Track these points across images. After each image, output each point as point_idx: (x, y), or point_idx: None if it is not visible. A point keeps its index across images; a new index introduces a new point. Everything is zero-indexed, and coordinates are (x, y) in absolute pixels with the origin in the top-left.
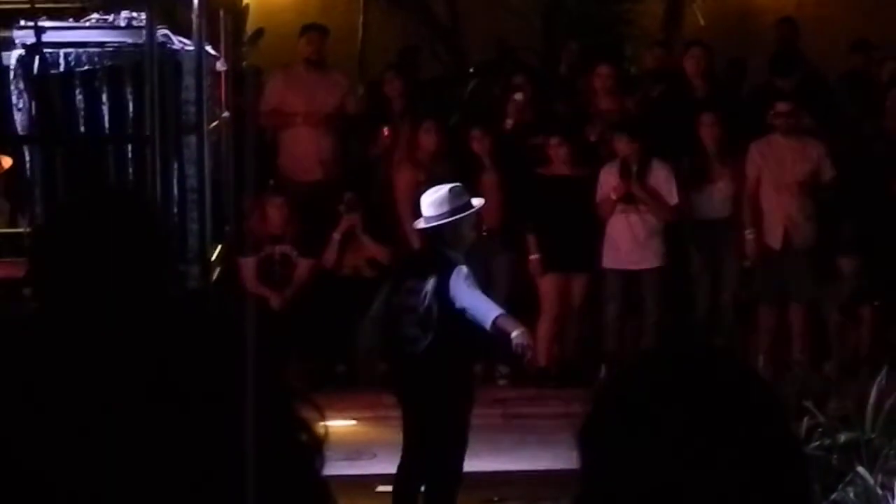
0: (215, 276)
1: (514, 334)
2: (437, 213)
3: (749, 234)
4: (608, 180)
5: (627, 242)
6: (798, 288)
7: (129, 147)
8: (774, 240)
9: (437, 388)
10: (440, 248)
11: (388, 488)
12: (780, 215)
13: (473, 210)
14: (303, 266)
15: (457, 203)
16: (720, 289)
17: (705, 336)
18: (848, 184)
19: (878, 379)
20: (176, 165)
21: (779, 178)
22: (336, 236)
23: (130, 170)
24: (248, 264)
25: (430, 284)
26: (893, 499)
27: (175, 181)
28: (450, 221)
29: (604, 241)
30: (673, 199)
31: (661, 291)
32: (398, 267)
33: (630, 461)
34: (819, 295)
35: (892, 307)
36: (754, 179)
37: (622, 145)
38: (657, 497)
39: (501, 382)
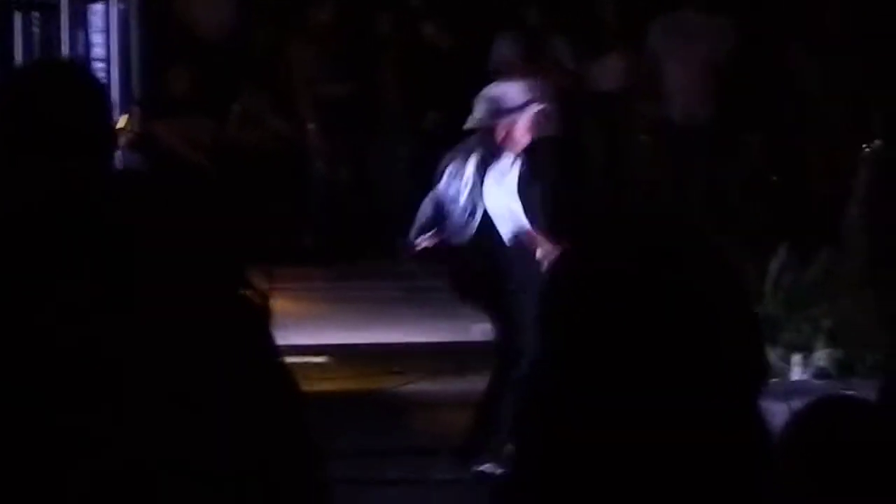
0: (122, 144)
1: (539, 254)
2: (490, 109)
3: (643, 110)
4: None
5: None
6: (698, 163)
7: (37, 15)
8: (675, 115)
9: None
10: (488, 146)
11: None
12: (681, 91)
13: (536, 111)
14: (208, 132)
15: (517, 102)
16: (620, 162)
17: (602, 205)
18: (752, 59)
19: (778, 253)
20: (82, 34)
21: (683, 54)
22: (236, 109)
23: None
24: (164, 129)
25: (471, 175)
26: (791, 372)
27: (81, 50)
28: (503, 122)
29: None
30: (569, 64)
31: (554, 158)
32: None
33: (586, 328)
34: (720, 170)
35: (793, 182)
36: (652, 54)
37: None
38: (614, 361)
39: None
